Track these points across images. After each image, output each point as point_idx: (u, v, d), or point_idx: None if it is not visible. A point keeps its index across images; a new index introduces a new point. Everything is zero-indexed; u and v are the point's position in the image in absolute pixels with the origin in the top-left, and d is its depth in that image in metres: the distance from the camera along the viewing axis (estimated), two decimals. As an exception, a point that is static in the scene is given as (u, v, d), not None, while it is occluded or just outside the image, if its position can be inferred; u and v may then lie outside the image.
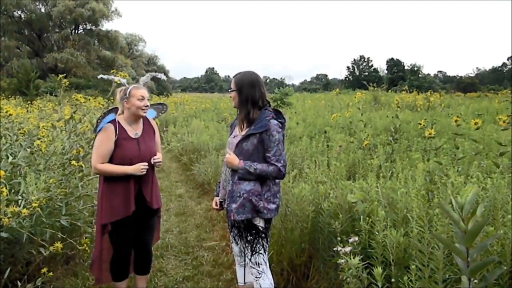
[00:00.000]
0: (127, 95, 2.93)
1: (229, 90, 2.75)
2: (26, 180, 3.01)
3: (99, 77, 3.41)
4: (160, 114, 3.40)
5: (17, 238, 2.98)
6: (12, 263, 3.13)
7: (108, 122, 2.93)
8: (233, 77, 2.76)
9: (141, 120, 3.08)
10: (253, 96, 2.64)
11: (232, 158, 2.63)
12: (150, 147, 3.03)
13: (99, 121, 2.97)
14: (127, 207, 2.88)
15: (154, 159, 2.98)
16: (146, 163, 2.91)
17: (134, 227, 3.00)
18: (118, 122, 2.95)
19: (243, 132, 2.67)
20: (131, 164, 2.88)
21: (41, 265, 3.18)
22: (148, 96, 3.01)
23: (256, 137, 2.58)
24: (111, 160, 2.89)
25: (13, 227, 2.70)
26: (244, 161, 2.58)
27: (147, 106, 2.98)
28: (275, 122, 2.61)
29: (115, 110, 3.05)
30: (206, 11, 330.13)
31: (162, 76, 3.50)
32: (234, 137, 2.75)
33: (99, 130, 2.92)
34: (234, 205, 2.59)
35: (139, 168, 2.86)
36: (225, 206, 2.77)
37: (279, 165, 2.57)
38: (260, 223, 2.63)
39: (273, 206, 2.63)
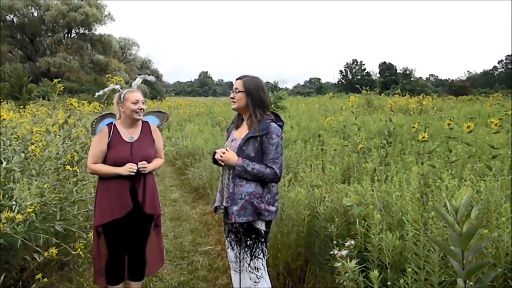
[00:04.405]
0: (122, 99, 2.98)
1: (236, 91, 2.67)
2: (20, 186, 3.00)
3: (96, 96, 3.45)
4: (163, 122, 3.42)
5: (11, 244, 2.96)
6: (6, 269, 3.11)
7: (106, 125, 3.00)
8: (240, 79, 2.70)
9: (140, 124, 3.10)
10: (264, 100, 2.66)
11: (231, 154, 2.61)
12: (145, 152, 3.03)
13: (94, 125, 3.02)
14: (118, 209, 2.89)
15: (139, 164, 2.93)
16: (135, 165, 2.91)
17: (127, 231, 2.99)
18: (114, 125, 3.01)
19: (242, 136, 2.67)
20: (122, 166, 2.90)
21: (36, 271, 3.15)
22: (143, 100, 3.03)
23: (257, 140, 2.59)
24: (105, 162, 2.95)
25: (7, 233, 2.68)
26: (242, 159, 2.58)
27: (142, 109, 3.00)
28: (275, 125, 2.63)
29: (110, 115, 3.09)
30: (199, 15, 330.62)
31: (152, 78, 3.54)
32: (232, 140, 2.74)
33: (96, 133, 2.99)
34: (235, 208, 2.56)
35: (127, 168, 2.88)
36: (223, 209, 2.77)
37: (275, 167, 2.58)
38: (262, 226, 2.62)
39: (273, 208, 2.63)
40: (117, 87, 3.21)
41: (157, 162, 3.14)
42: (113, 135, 2.96)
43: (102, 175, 2.95)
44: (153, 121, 3.31)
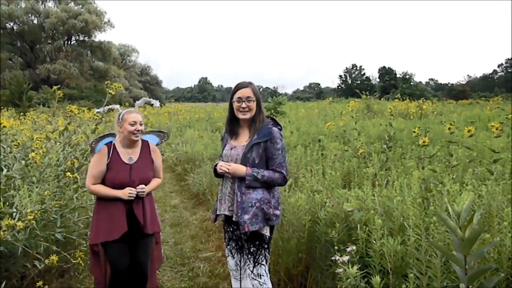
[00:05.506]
0: (120, 120, 2.97)
1: (249, 100, 2.61)
2: (20, 193, 2.99)
3: (96, 111, 3.50)
4: (163, 141, 3.44)
5: (12, 251, 2.95)
6: (6, 277, 3.10)
7: (105, 144, 3.00)
8: (245, 87, 2.64)
9: (139, 144, 3.08)
10: (262, 105, 2.69)
11: (236, 166, 2.58)
12: (144, 175, 3.01)
13: (93, 144, 3.05)
14: (113, 231, 2.87)
15: (137, 188, 2.91)
16: (134, 190, 2.89)
17: (128, 247, 2.98)
18: (114, 145, 2.99)
19: (245, 143, 2.65)
20: (121, 188, 2.89)
21: (36, 279, 3.15)
22: (141, 121, 2.99)
23: (261, 146, 2.58)
24: (103, 182, 2.93)
25: (7, 240, 2.68)
26: (252, 168, 2.56)
27: (139, 130, 2.97)
28: (276, 129, 2.64)
29: (111, 135, 3.11)
30: (198, 21, 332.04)
31: (156, 103, 3.58)
32: (231, 148, 2.71)
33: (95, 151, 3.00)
34: (246, 216, 2.53)
35: (126, 193, 2.87)
36: (223, 218, 2.75)
37: (284, 171, 2.59)
38: (267, 232, 2.62)
39: (278, 212, 2.64)
40: (117, 107, 3.24)
41: (155, 183, 3.13)
42: (112, 156, 2.95)
43: (101, 196, 2.93)
44: (153, 140, 3.31)
